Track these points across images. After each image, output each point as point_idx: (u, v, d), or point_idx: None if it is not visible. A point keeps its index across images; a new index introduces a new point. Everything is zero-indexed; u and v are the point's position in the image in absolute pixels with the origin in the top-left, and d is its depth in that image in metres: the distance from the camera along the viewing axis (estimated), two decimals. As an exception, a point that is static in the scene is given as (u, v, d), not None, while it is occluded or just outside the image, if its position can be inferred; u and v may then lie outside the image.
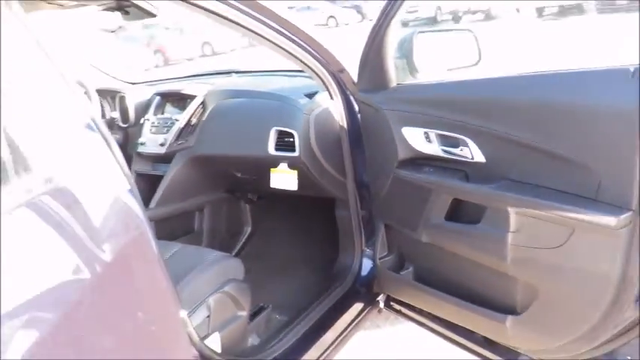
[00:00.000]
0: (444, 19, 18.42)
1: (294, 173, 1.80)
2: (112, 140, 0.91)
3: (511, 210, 1.18)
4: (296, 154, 1.75)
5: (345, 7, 24.91)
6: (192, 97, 2.10)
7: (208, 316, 1.39)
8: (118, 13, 1.80)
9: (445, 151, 1.35)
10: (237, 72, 2.37)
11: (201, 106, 2.08)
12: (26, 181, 0.77)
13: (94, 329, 0.82)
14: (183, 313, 1.07)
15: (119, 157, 0.91)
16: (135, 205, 0.91)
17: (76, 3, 1.70)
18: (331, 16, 23.46)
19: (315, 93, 1.79)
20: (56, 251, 0.77)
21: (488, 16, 17.18)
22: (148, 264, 0.96)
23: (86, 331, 0.80)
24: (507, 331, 1.31)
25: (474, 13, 18.28)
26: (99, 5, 1.80)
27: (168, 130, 2.10)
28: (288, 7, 1.57)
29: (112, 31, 2.08)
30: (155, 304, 0.98)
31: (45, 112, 0.85)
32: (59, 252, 0.77)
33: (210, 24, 1.54)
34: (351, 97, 1.67)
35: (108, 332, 0.85)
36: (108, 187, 0.89)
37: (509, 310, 1.31)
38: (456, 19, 18.50)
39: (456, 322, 1.54)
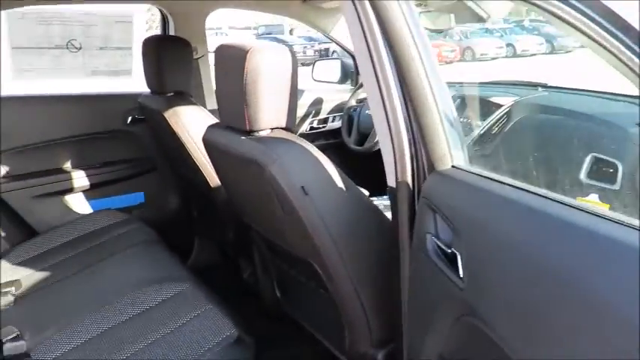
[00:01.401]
0: None
1: (606, 207, 1.63)
2: None
3: None
4: (616, 187, 1.58)
5: None
6: (497, 106, 2.07)
7: None
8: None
9: None
10: (544, 86, 2.25)
11: (505, 116, 2.04)
12: None
13: None
14: None
15: None
16: None
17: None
18: None
19: (651, 123, 1.59)
20: None
21: None
22: None
23: None
24: None
25: None
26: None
27: (466, 135, 2.12)
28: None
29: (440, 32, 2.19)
30: None
31: None
32: None
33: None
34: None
35: None
36: None
37: None
38: None
39: None
